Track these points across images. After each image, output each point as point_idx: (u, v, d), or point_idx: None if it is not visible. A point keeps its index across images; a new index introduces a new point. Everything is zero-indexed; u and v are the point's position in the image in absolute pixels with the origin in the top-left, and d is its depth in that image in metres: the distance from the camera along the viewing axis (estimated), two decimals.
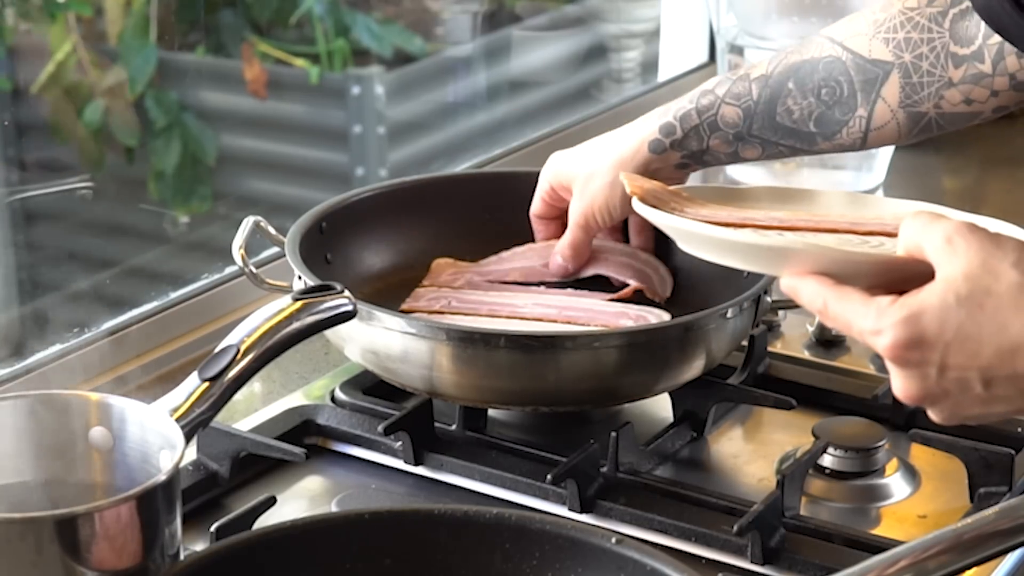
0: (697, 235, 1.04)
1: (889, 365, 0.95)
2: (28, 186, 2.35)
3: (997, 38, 1.21)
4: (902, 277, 0.95)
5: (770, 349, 1.45)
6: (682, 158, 1.33)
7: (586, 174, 1.35)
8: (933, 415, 0.96)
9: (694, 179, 1.40)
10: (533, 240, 1.44)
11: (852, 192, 1.17)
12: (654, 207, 1.11)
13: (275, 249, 1.47)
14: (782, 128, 1.29)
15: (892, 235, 1.06)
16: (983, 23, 1.21)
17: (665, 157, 1.32)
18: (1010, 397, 0.93)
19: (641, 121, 1.34)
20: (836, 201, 1.15)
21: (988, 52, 1.21)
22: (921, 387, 0.94)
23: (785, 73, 1.29)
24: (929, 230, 0.94)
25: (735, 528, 1.15)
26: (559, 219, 1.41)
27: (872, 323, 0.94)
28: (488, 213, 1.47)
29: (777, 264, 0.99)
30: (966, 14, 1.23)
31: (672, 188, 1.14)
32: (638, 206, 1.08)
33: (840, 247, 1.05)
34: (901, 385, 0.95)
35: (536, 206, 1.41)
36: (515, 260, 1.44)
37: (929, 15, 1.24)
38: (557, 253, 1.40)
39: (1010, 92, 1.23)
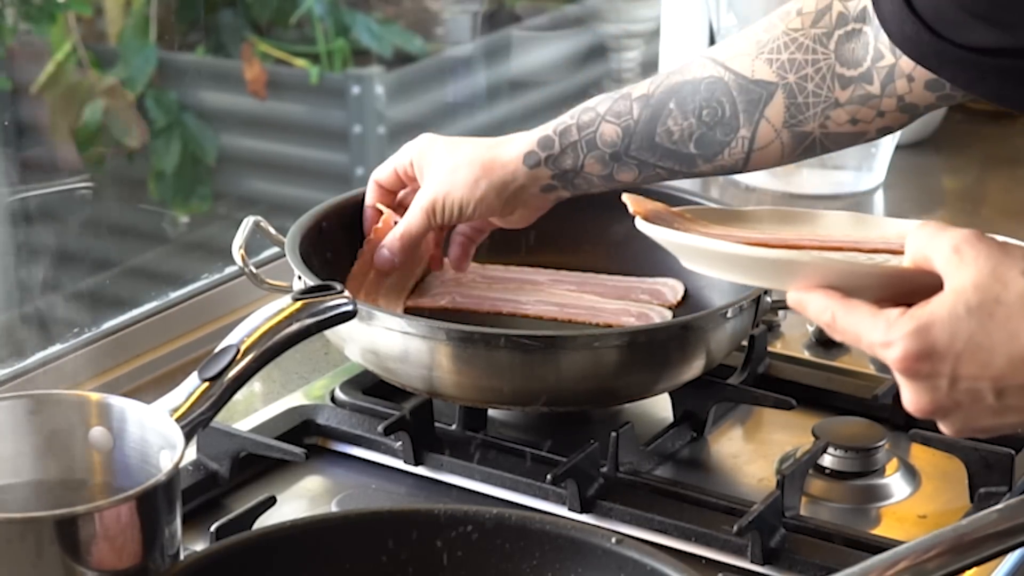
0: (701, 251, 1.03)
1: (899, 377, 0.94)
2: (28, 186, 2.35)
3: (887, 60, 1.18)
4: (910, 289, 0.94)
5: (770, 349, 1.46)
6: (552, 178, 1.29)
7: (451, 165, 1.31)
8: (944, 428, 0.95)
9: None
10: (533, 238, 1.44)
11: (855, 213, 1.16)
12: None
13: (275, 249, 1.47)
14: (661, 149, 1.26)
15: (897, 252, 1.05)
16: (870, 45, 1.19)
17: (536, 174, 1.28)
18: (1022, 407, 0.93)
19: (523, 134, 1.31)
20: (839, 222, 1.15)
21: (877, 74, 1.19)
22: (932, 399, 0.93)
23: (667, 93, 1.26)
24: (936, 240, 0.93)
25: (735, 528, 1.15)
26: (394, 195, 1.38)
27: (881, 335, 0.93)
28: None
29: (784, 278, 0.99)
30: (852, 36, 1.20)
31: (675, 210, 1.13)
32: (641, 224, 1.08)
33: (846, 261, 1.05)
34: (911, 398, 0.94)
35: (384, 172, 1.37)
36: (520, 273, 1.44)
37: (814, 36, 1.22)
38: (384, 245, 1.34)
39: (896, 113, 1.21)
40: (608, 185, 1.29)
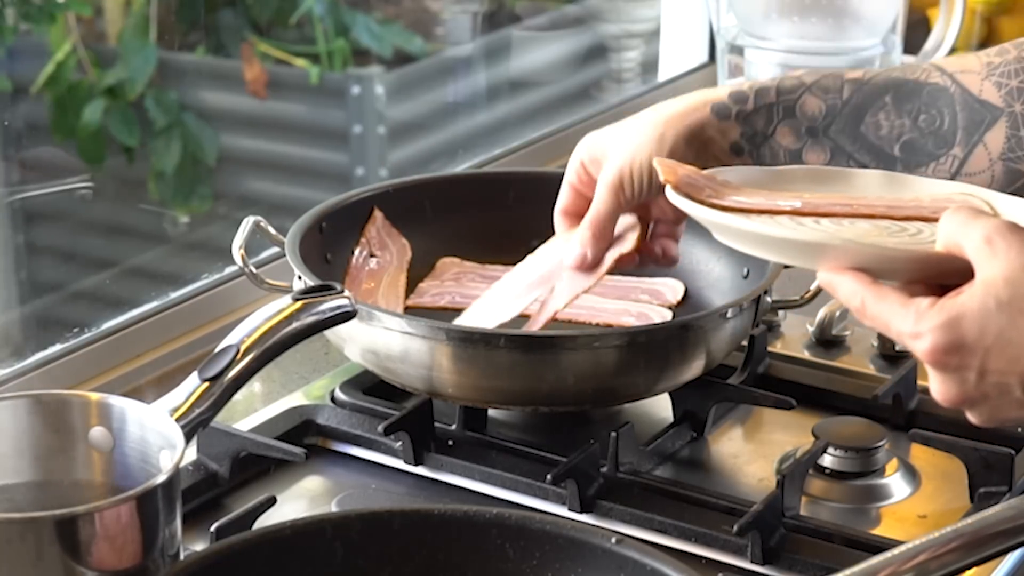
0: (732, 228, 1.03)
1: (928, 368, 0.94)
2: (28, 186, 2.36)
3: None
4: (940, 272, 0.95)
5: (770, 349, 1.45)
6: (741, 136, 1.19)
7: (628, 134, 1.19)
8: (972, 417, 0.96)
9: None
10: (533, 239, 1.44)
11: (889, 172, 1.14)
12: (688, 195, 1.09)
13: (275, 249, 1.47)
14: (862, 139, 1.19)
15: (930, 220, 1.04)
16: None
17: (725, 127, 1.19)
18: None
19: (703, 90, 1.22)
20: (873, 182, 1.13)
21: None
22: (960, 391, 0.93)
23: (884, 85, 1.19)
24: (968, 228, 0.93)
25: (735, 528, 1.15)
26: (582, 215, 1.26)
27: (911, 326, 0.93)
28: (488, 213, 1.47)
29: (813, 259, 0.99)
30: None
31: (706, 172, 1.11)
32: (672, 195, 1.07)
33: (877, 239, 1.04)
34: (939, 388, 0.94)
35: (563, 199, 1.26)
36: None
37: None
38: (576, 240, 1.23)
39: None
40: (794, 161, 1.20)
